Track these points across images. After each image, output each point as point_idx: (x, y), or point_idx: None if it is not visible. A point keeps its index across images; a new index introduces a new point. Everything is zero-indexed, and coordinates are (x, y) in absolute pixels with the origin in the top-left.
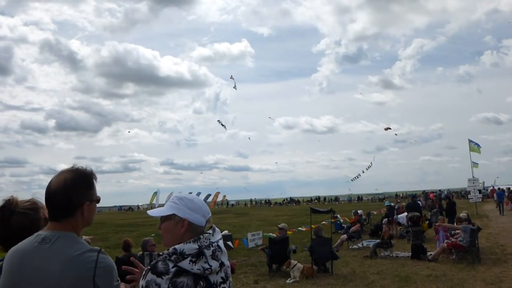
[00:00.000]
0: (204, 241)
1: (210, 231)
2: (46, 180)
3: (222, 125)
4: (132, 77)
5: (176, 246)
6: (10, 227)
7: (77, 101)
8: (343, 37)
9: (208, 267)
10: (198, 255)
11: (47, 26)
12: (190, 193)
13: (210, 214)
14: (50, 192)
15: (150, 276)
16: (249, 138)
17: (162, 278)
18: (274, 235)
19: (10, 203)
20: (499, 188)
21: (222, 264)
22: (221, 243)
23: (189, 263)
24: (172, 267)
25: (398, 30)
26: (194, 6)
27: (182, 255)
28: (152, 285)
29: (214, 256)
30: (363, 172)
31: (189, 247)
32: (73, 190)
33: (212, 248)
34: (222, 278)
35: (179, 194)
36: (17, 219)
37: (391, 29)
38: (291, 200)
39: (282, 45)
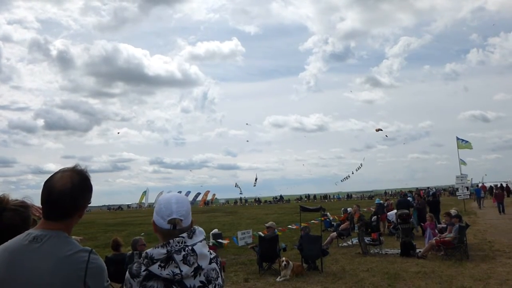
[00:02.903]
0: (174, 246)
1: (184, 234)
2: (34, 180)
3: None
4: (121, 76)
5: (148, 250)
6: (1, 223)
7: (65, 100)
8: (330, 35)
9: (179, 272)
10: (167, 260)
11: (31, 25)
12: (180, 192)
13: (176, 216)
14: (56, 192)
15: (127, 275)
16: (247, 140)
17: (134, 280)
18: (263, 234)
19: (1, 200)
20: (477, 185)
21: (198, 268)
22: (198, 246)
23: (158, 268)
24: (143, 271)
25: (386, 28)
26: (183, 4)
27: (151, 260)
28: (127, 284)
29: (185, 261)
30: (353, 173)
31: (158, 252)
32: (81, 193)
33: (183, 253)
34: (201, 282)
35: (164, 194)
36: (8, 216)
37: (379, 28)
38: (281, 198)
39: (270, 43)
